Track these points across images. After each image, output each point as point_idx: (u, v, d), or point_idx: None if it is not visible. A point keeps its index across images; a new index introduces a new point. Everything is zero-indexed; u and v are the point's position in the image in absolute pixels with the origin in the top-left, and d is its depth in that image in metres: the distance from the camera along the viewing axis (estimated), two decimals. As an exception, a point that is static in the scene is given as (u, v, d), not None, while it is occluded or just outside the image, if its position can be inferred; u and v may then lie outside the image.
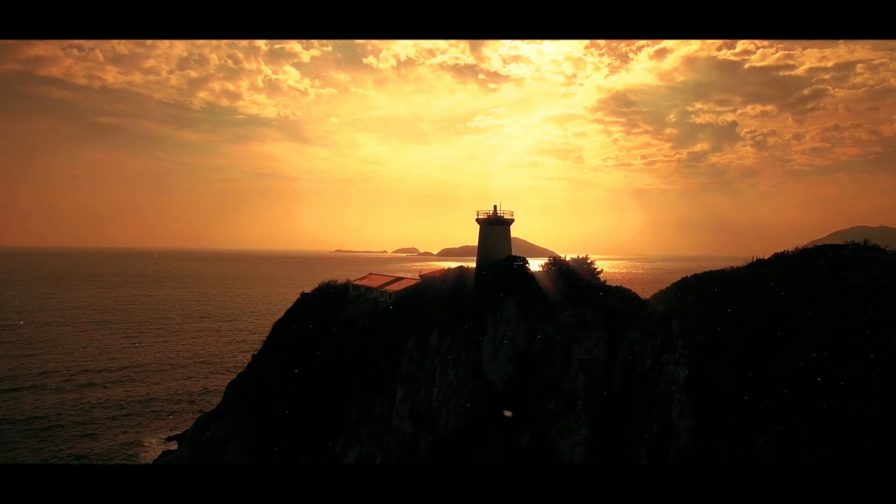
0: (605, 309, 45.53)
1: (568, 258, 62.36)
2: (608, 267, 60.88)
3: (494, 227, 49.02)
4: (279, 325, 66.46)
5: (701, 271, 42.76)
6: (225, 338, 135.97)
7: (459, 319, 44.09)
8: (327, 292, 67.39)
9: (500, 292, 44.10)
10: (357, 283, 66.30)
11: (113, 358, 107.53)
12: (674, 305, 39.41)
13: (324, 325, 59.07)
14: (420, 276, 67.60)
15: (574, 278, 58.66)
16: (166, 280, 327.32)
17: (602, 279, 61.45)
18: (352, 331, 54.58)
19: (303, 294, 69.73)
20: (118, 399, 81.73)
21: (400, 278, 62.55)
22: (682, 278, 43.06)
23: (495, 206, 49.85)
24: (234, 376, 73.94)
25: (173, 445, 67.00)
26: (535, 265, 59.49)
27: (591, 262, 60.68)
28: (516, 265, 47.80)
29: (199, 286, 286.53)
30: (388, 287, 59.43)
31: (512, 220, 49.73)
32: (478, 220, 49.89)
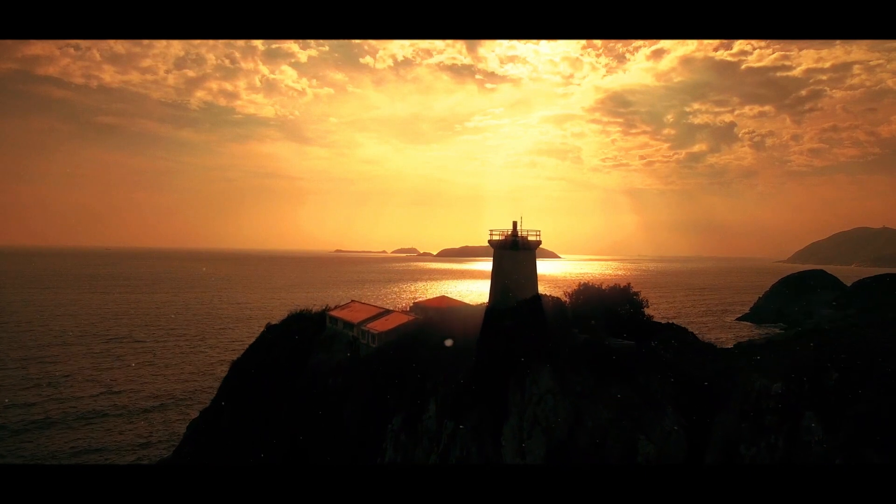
0: (676, 372, 31.63)
1: (603, 286, 48.57)
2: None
3: (514, 253, 35.13)
4: (237, 369, 52.67)
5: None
6: (208, 352, 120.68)
7: (467, 394, 30.23)
8: (298, 325, 53.54)
9: (526, 352, 30.23)
10: (335, 314, 52.45)
11: (81, 381, 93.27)
12: (797, 382, 25.67)
13: (288, 373, 45.27)
14: (414, 304, 53.76)
15: (616, 316, 44.88)
16: (160, 283, 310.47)
17: (648, 314, 47.71)
18: (320, 389, 40.72)
19: (268, 327, 55.89)
20: (69, 444, 67.80)
21: (387, 311, 48.72)
22: (799, 332, 29.37)
23: (515, 224, 36.01)
24: (198, 414, 61.01)
25: None
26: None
27: (636, 293, 46.84)
28: (549, 310, 33.91)
29: (193, 290, 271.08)
30: (372, 324, 45.62)
31: (538, 243, 35.86)
32: (491, 244, 35.99)
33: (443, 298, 52.73)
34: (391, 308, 51.76)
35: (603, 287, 47.25)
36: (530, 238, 35.67)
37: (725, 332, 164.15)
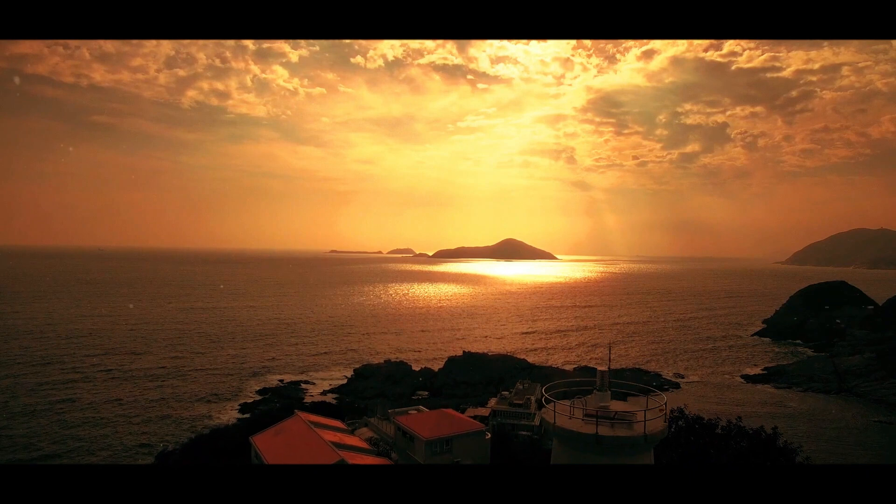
0: None
1: (720, 424, 28.21)
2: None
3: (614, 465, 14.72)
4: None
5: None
6: (182, 386, 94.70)
7: None
8: (210, 459, 33.09)
9: None
10: (262, 446, 31.93)
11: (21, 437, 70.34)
12: None
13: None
14: (395, 418, 33.41)
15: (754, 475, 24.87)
16: (149, 288, 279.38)
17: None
18: None
19: (163, 454, 35.40)
20: None
21: (342, 464, 28.24)
22: None
23: (603, 377, 15.61)
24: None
25: None
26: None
27: (786, 442, 26.50)
28: None
29: (184, 294, 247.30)
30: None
31: (664, 433, 15.31)
32: (556, 433, 15.37)
33: (441, 416, 32.37)
34: (356, 445, 31.36)
35: (716, 426, 26.97)
36: (656, 426, 15.10)
37: (749, 353, 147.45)
